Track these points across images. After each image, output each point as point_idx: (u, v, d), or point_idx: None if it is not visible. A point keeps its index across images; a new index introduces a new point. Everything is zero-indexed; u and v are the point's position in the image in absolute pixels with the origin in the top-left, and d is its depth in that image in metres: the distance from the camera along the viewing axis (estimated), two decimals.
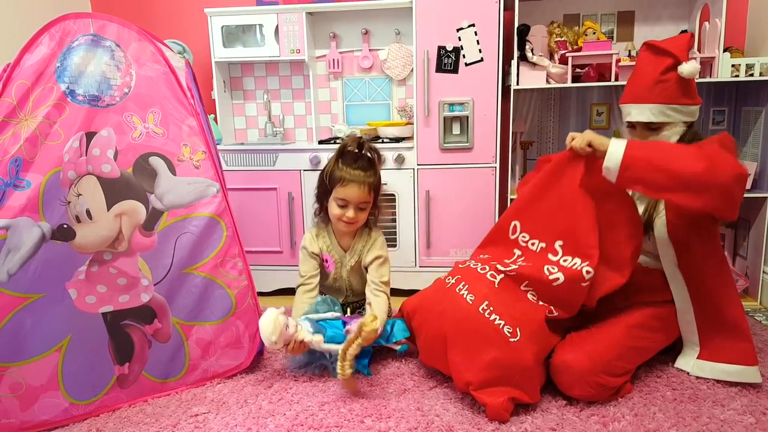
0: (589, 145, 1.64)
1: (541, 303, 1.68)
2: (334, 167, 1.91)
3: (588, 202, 1.66)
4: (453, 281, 1.77)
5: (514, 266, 1.71)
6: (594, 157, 1.65)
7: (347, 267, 2.03)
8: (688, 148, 1.58)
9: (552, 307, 1.67)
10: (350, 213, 1.90)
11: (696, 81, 2.29)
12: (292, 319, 1.76)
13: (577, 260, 1.64)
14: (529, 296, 1.69)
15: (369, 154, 1.95)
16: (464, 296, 1.68)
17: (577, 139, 1.67)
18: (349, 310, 2.11)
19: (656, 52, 1.73)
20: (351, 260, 2.01)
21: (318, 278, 2.02)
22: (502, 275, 1.71)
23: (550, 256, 1.70)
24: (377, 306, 1.92)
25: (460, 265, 1.85)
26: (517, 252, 1.78)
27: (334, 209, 1.92)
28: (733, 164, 1.51)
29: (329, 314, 1.86)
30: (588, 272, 1.61)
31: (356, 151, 1.94)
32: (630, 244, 1.68)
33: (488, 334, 1.59)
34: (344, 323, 1.87)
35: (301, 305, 1.95)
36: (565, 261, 1.66)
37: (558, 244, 1.70)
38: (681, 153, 1.55)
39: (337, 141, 2.66)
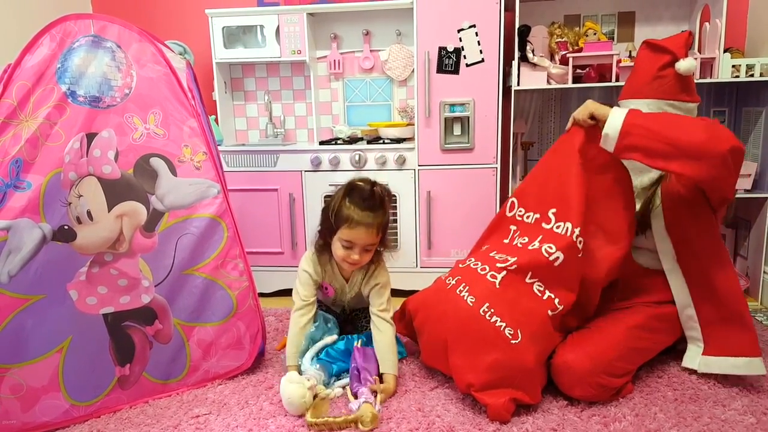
0: (592, 117, 1.66)
1: (546, 296, 1.66)
2: (341, 205, 1.76)
3: (580, 166, 1.69)
4: (453, 282, 1.76)
5: (513, 259, 1.70)
6: (595, 128, 1.67)
7: (348, 296, 1.98)
8: (688, 117, 1.60)
9: (557, 300, 1.65)
10: (355, 255, 1.77)
11: (696, 81, 2.31)
12: (304, 376, 1.68)
13: (569, 224, 1.66)
14: (536, 288, 1.68)
15: (380, 192, 1.77)
16: (465, 298, 1.68)
17: (580, 110, 1.69)
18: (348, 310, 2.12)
19: (654, 49, 1.74)
20: (351, 291, 1.96)
21: (316, 302, 1.93)
22: (504, 272, 1.69)
23: (543, 224, 1.71)
24: (383, 344, 1.80)
25: (461, 265, 1.84)
26: (513, 228, 1.81)
27: (338, 249, 1.79)
28: (730, 136, 1.52)
29: (328, 339, 1.84)
30: (581, 242, 1.64)
31: (366, 187, 1.77)
32: (628, 214, 1.71)
33: (489, 336, 1.59)
34: (345, 342, 1.88)
35: (300, 337, 1.83)
36: (558, 228, 1.68)
37: (551, 212, 1.71)
38: (681, 121, 1.57)
39: (338, 142, 2.66)
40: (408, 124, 2.70)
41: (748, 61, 2.31)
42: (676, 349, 1.87)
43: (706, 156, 1.50)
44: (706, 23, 2.40)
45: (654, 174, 1.77)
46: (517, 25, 2.40)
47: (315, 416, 1.57)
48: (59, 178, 1.60)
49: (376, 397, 1.63)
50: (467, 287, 1.71)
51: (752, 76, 2.31)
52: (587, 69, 2.45)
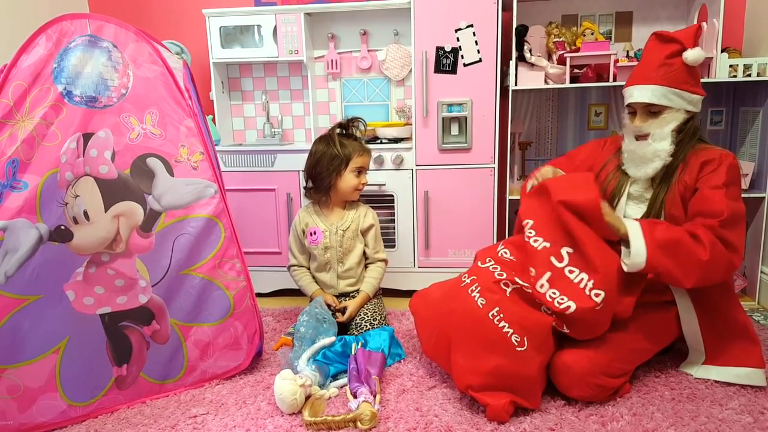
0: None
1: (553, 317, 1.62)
2: (340, 145, 2.12)
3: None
4: (468, 281, 1.73)
5: (527, 284, 1.64)
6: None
7: (339, 233, 2.17)
8: (691, 244, 1.60)
9: (564, 325, 1.61)
10: (365, 178, 2.19)
11: None
12: (298, 375, 1.69)
13: (584, 275, 1.58)
14: (543, 309, 1.63)
15: (346, 124, 2.21)
16: (475, 299, 1.65)
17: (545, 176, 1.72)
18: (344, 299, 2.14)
19: (663, 39, 1.73)
20: (344, 224, 2.18)
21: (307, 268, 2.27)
22: (518, 286, 1.65)
23: (553, 259, 1.62)
24: (372, 271, 2.23)
25: (480, 264, 1.77)
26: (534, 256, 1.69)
27: (351, 180, 2.14)
28: (727, 265, 1.62)
29: (326, 341, 1.85)
30: (597, 294, 1.55)
31: (342, 130, 2.20)
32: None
33: (495, 340, 1.57)
34: (343, 344, 1.91)
35: (309, 280, 2.24)
36: (571, 273, 1.60)
37: (565, 250, 1.63)
38: (686, 256, 1.60)
39: None
40: (405, 124, 2.69)
41: (745, 61, 2.31)
42: (673, 349, 1.87)
43: (701, 283, 1.64)
44: (704, 23, 2.40)
45: (657, 164, 1.74)
46: (514, 25, 2.39)
47: (313, 415, 1.57)
48: (56, 178, 1.60)
49: (375, 396, 1.63)
50: (479, 288, 1.67)
51: (749, 75, 2.31)
52: (585, 69, 2.45)
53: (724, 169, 1.68)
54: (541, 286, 1.62)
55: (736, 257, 1.64)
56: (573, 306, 1.55)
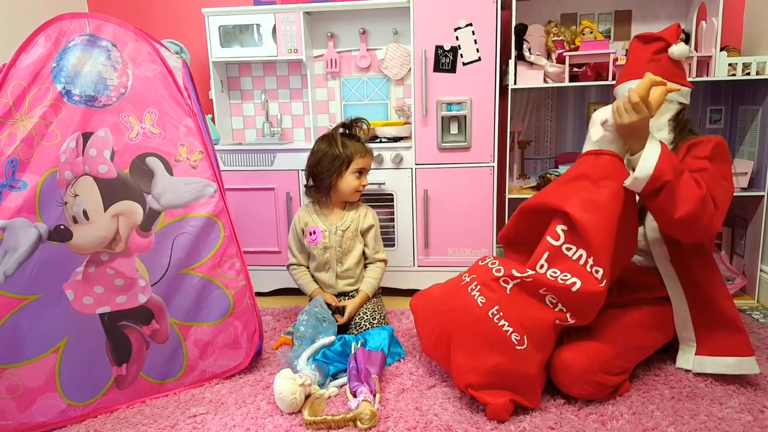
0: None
1: (558, 309, 1.59)
2: (342, 145, 2.13)
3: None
4: (468, 279, 1.72)
5: (531, 271, 1.61)
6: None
7: (339, 233, 2.17)
8: (692, 185, 1.57)
9: (569, 314, 1.59)
10: (366, 180, 2.19)
11: (693, 80, 2.32)
12: (297, 374, 1.68)
13: (582, 252, 1.56)
14: (548, 300, 1.60)
15: (349, 124, 2.22)
16: (475, 297, 1.64)
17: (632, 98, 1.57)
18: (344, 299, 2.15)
19: (647, 39, 1.76)
20: (343, 224, 2.19)
21: (306, 267, 2.28)
22: (518, 280, 1.62)
23: (549, 238, 1.62)
24: (371, 271, 2.23)
25: (480, 263, 1.77)
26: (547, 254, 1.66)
27: (352, 182, 2.14)
28: (711, 218, 1.58)
29: (326, 340, 1.86)
30: (597, 271, 1.54)
31: (346, 130, 2.21)
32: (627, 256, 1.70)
33: (495, 339, 1.56)
34: (342, 343, 1.91)
35: (307, 278, 2.25)
36: (569, 250, 1.59)
37: (560, 228, 1.61)
38: (685, 191, 1.56)
39: None
40: (405, 123, 2.69)
41: (744, 60, 2.31)
42: (673, 347, 1.88)
43: (682, 231, 1.63)
44: (703, 21, 2.40)
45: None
46: (513, 24, 2.39)
47: (312, 414, 1.57)
48: (55, 178, 1.59)
49: (374, 396, 1.63)
50: (479, 287, 1.66)
51: (748, 74, 2.31)
52: (584, 67, 2.45)
53: (709, 146, 1.70)
54: (541, 266, 1.61)
55: (718, 216, 1.60)
56: (578, 283, 1.54)
